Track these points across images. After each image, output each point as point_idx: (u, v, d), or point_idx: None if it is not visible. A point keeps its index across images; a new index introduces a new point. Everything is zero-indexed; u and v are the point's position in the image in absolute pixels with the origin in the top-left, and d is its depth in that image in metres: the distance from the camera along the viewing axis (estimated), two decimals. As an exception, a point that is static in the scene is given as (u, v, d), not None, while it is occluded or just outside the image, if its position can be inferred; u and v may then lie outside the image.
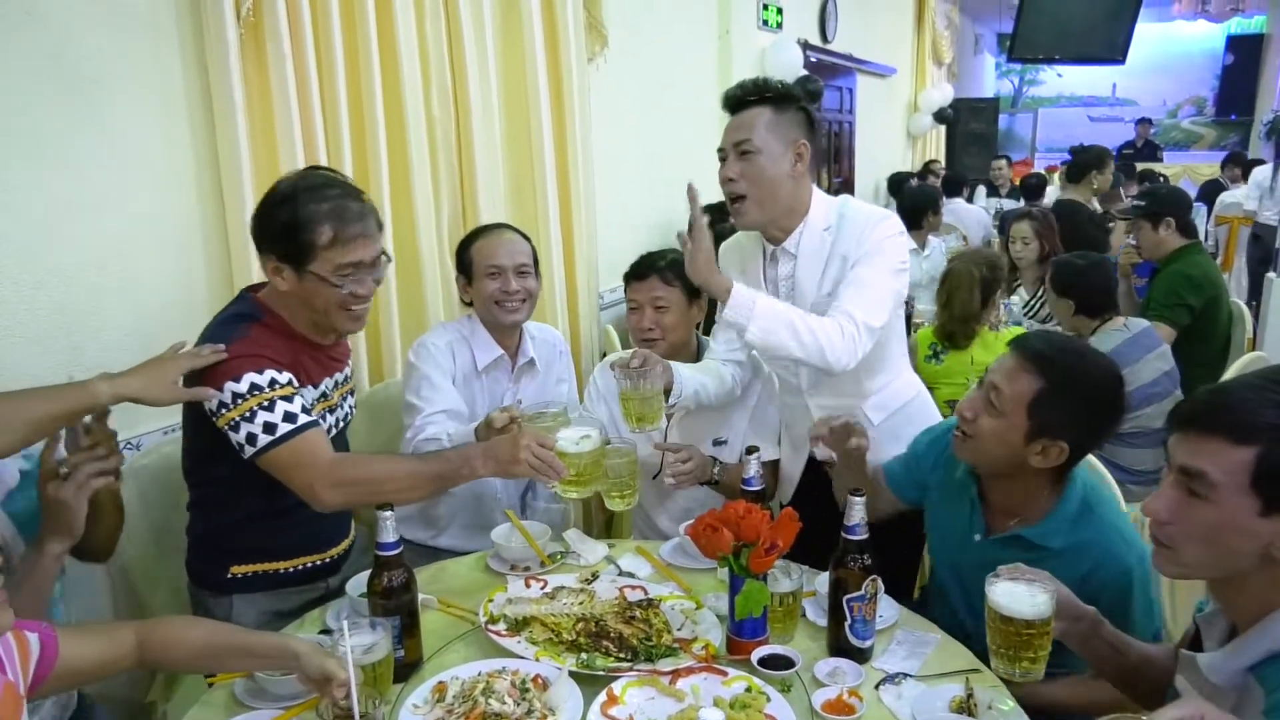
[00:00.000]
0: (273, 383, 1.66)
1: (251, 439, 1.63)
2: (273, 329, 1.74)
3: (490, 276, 2.31)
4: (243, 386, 1.63)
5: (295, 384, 1.71)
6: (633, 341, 2.46)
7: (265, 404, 1.63)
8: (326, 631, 1.68)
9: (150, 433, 2.13)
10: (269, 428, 1.63)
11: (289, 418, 1.65)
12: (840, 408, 2.08)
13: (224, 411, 1.64)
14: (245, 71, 2.20)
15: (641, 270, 2.39)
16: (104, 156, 2.02)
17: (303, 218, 1.66)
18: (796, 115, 2.01)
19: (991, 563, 1.44)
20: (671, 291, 2.34)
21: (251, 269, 2.24)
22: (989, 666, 1.47)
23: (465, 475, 1.70)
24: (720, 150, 2.04)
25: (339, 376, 1.92)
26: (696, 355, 2.39)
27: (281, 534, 1.83)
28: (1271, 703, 1.13)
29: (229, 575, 1.81)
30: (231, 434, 1.65)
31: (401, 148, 2.64)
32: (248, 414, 1.62)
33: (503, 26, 3.06)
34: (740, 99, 2.01)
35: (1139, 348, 3.03)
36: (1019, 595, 1.37)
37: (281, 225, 1.68)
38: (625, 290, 2.46)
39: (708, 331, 2.49)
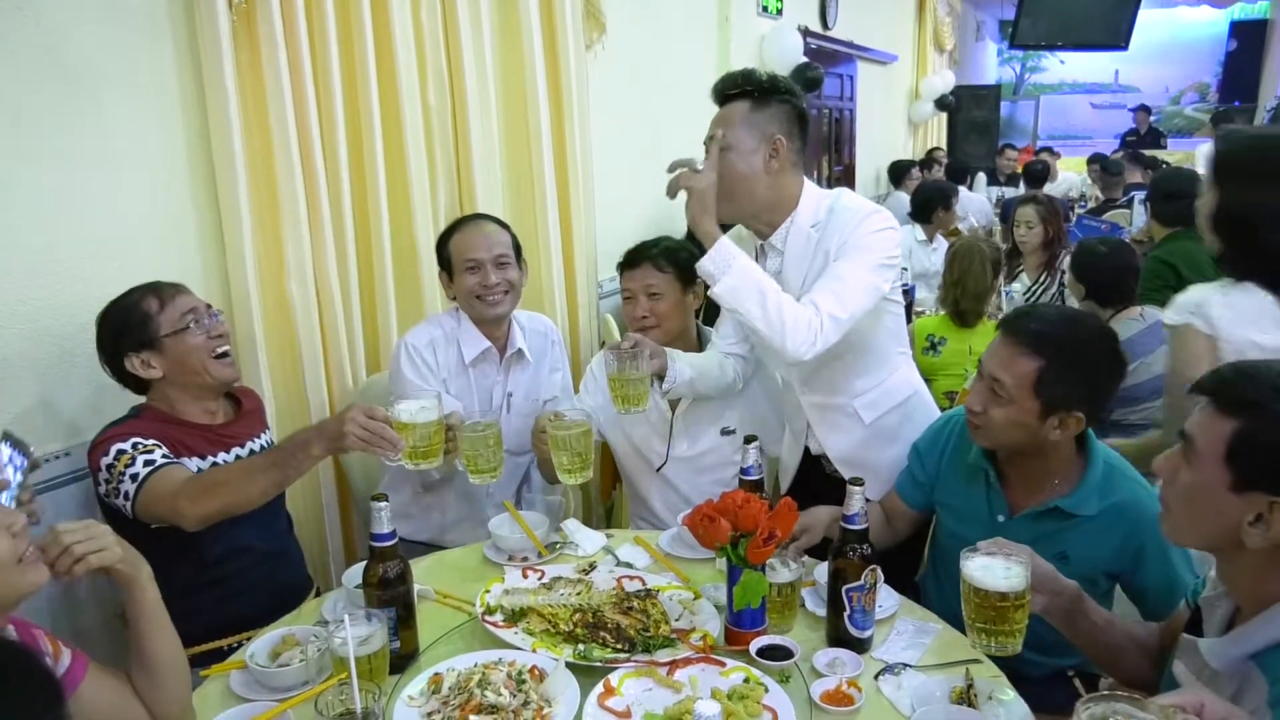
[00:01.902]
0: (135, 445, 1.79)
1: (127, 495, 1.75)
2: (147, 419, 1.88)
3: (469, 271, 2.28)
4: (110, 457, 1.77)
5: (161, 447, 1.81)
6: (630, 330, 2.44)
7: (129, 462, 1.77)
8: (323, 623, 1.67)
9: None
10: (134, 477, 1.75)
11: (149, 463, 1.77)
12: (831, 405, 2.07)
13: (107, 487, 1.78)
14: (238, 62, 2.18)
15: (634, 258, 2.38)
16: (97, 149, 2.00)
17: (128, 304, 1.86)
18: (779, 109, 1.94)
19: (1023, 541, 1.43)
20: (664, 278, 2.32)
21: (246, 260, 2.23)
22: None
23: (302, 458, 1.77)
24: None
25: (253, 445, 2.01)
26: (698, 344, 2.37)
27: (200, 615, 1.80)
28: (1276, 694, 1.12)
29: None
30: (117, 504, 1.77)
31: (397, 137, 2.62)
32: (120, 477, 1.76)
33: (499, 14, 3.04)
34: (722, 92, 1.99)
35: (1154, 338, 3.01)
36: (994, 569, 1.37)
37: (117, 324, 1.86)
38: (620, 280, 2.44)
39: (708, 321, 2.47)
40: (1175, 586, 1.61)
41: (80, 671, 1.27)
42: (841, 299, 1.84)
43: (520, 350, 2.40)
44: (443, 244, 2.36)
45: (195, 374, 1.89)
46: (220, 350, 1.91)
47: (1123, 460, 1.75)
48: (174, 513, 1.72)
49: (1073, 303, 3.78)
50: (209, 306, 1.94)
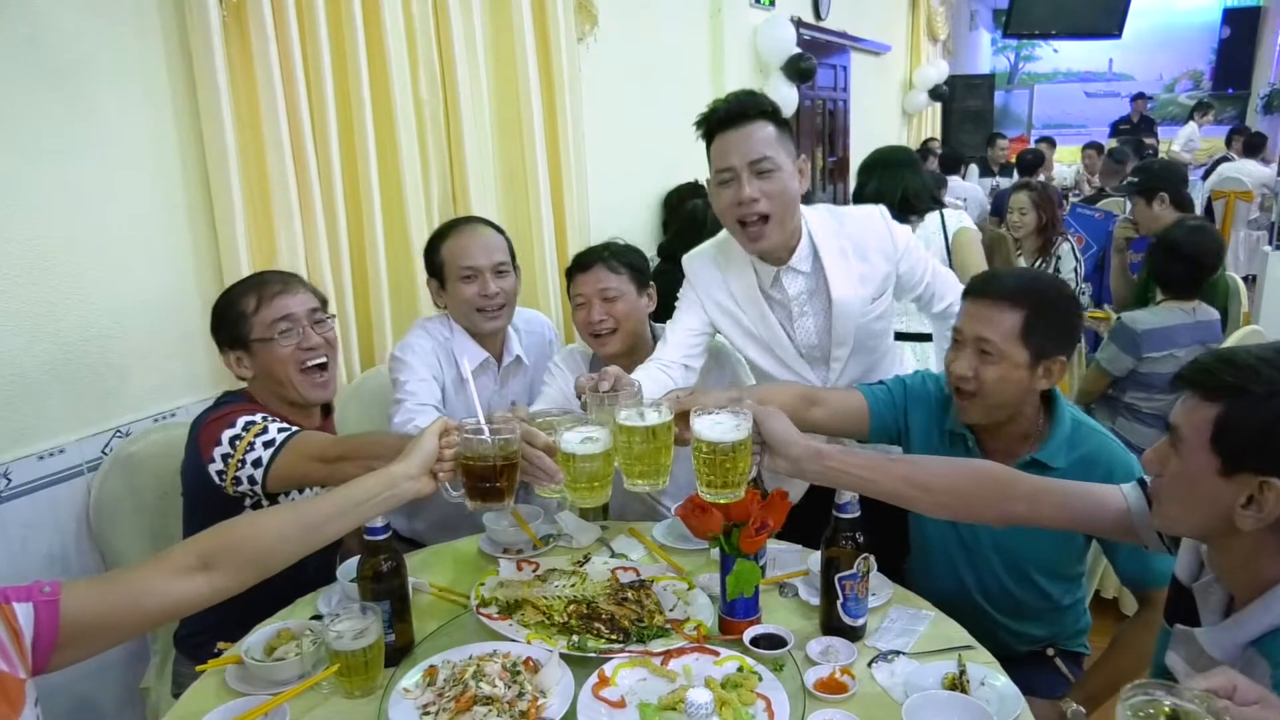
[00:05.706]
0: (264, 417, 1.74)
1: (258, 463, 1.68)
2: (256, 405, 1.84)
3: (465, 280, 2.16)
4: (238, 428, 1.71)
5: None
6: (581, 340, 2.27)
7: (261, 431, 1.70)
8: (317, 617, 1.67)
9: (140, 420, 2.12)
10: (269, 444, 1.69)
11: (284, 430, 1.72)
12: None
13: (228, 464, 1.70)
14: (229, 56, 2.18)
15: (585, 261, 2.23)
16: (86, 144, 2.00)
17: (230, 299, 1.86)
18: (787, 132, 1.95)
19: None
20: (620, 280, 2.18)
21: (239, 254, 2.23)
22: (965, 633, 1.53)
23: None
24: (725, 171, 1.90)
25: None
26: (654, 346, 2.28)
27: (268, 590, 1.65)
28: (1279, 677, 1.12)
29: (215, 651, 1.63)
30: (238, 476, 1.69)
31: (389, 131, 2.62)
32: (248, 447, 1.69)
33: (491, 6, 3.03)
34: (740, 112, 1.89)
35: (1191, 335, 2.98)
36: (719, 423, 1.43)
37: (218, 315, 1.86)
38: (568, 287, 2.26)
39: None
40: None
41: (49, 609, 1.18)
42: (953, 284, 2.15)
43: (518, 357, 2.32)
44: (433, 249, 2.23)
45: (281, 386, 1.84)
46: (311, 362, 1.83)
47: (1087, 416, 1.80)
48: (320, 459, 1.66)
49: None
50: (316, 311, 1.87)
